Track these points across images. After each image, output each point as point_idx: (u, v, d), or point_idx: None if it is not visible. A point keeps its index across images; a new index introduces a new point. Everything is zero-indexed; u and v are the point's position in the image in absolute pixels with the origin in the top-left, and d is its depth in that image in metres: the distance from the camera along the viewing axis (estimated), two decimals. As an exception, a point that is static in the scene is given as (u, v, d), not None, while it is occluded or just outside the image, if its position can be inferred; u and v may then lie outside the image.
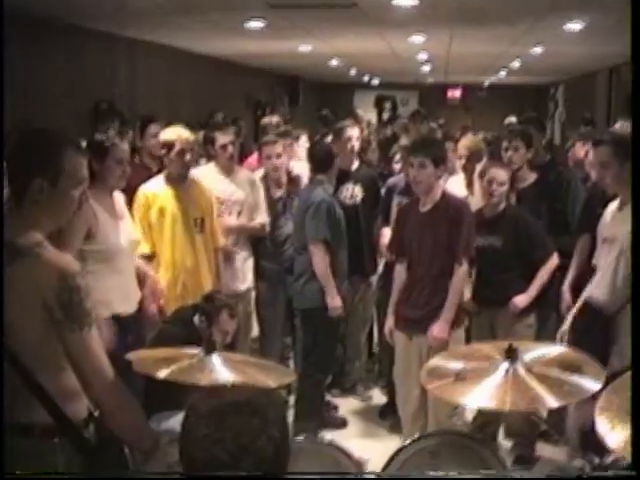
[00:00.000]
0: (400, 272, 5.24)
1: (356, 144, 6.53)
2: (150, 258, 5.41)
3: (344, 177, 6.31)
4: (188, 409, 1.93)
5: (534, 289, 5.27)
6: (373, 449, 5.06)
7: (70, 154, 2.86)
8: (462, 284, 5.03)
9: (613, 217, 4.61)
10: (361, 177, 6.52)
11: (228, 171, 6.07)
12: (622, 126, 5.58)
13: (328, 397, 6.42)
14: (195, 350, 3.15)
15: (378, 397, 6.73)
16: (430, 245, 5.02)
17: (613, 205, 4.67)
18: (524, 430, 5.45)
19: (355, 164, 6.62)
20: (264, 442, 1.82)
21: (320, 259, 5.58)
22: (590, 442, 2.96)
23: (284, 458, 1.90)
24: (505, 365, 2.82)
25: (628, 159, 4.32)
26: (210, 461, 1.81)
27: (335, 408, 6.41)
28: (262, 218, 6.17)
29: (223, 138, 6.04)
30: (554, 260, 5.31)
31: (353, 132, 6.54)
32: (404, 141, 6.89)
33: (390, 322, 5.28)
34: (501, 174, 5.39)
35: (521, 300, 5.24)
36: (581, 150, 6.63)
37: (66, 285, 2.64)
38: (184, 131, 5.61)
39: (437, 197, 5.04)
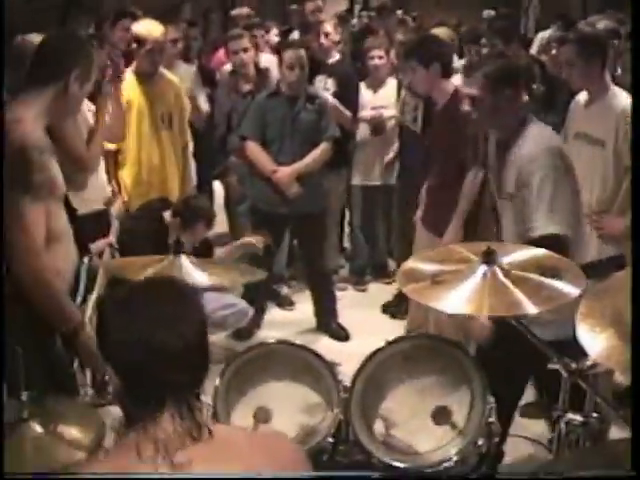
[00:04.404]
0: None
1: (328, 39, 6.47)
2: (116, 154, 5.26)
3: (318, 69, 6.22)
4: (103, 300, 1.93)
5: None
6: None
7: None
8: (471, 192, 4.91)
9: (581, 112, 4.58)
10: (336, 70, 6.40)
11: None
12: (596, 21, 5.48)
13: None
14: (161, 255, 3.09)
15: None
16: (442, 145, 5.03)
17: (580, 98, 4.63)
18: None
19: (335, 57, 6.54)
20: (175, 335, 1.78)
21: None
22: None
23: (199, 355, 1.85)
24: (483, 268, 2.74)
25: (595, 56, 4.40)
26: (128, 347, 1.77)
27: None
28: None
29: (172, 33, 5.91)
30: None
31: (327, 27, 6.48)
32: (370, 42, 6.68)
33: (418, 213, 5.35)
34: None
35: None
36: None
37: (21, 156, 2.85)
38: (157, 27, 5.37)
39: (446, 98, 4.99)
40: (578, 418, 2.80)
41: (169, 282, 1.95)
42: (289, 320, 6.21)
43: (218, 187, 7.29)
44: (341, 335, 6.00)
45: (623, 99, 4.35)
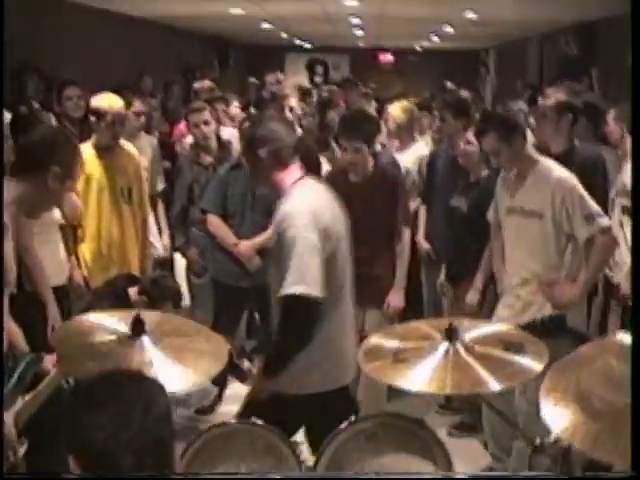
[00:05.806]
0: None
1: (292, 113, 6.52)
2: (75, 228, 5.22)
3: None
4: (72, 391, 1.92)
5: None
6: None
7: None
8: (408, 249, 5.01)
9: (511, 187, 4.50)
10: (298, 147, 6.40)
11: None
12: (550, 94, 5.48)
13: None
14: (122, 330, 2.97)
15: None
16: (364, 217, 4.85)
17: (506, 175, 4.56)
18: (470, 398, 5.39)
19: (297, 131, 6.54)
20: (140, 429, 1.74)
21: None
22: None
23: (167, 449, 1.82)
24: (445, 345, 2.73)
25: (516, 134, 4.33)
26: (92, 444, 1.73)
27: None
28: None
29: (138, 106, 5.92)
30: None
31: (291, 100, 6.53)
32: (332, 115, 6.75)
33: None
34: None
35: None
36: None
37: None
38: (116, 100, 5.39)
39: (369, 168, 4.99)
40: None
41: (137, 375, 1.91)
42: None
43: (179, 259, 7.22)
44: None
45: (557, 170, 4.34)
